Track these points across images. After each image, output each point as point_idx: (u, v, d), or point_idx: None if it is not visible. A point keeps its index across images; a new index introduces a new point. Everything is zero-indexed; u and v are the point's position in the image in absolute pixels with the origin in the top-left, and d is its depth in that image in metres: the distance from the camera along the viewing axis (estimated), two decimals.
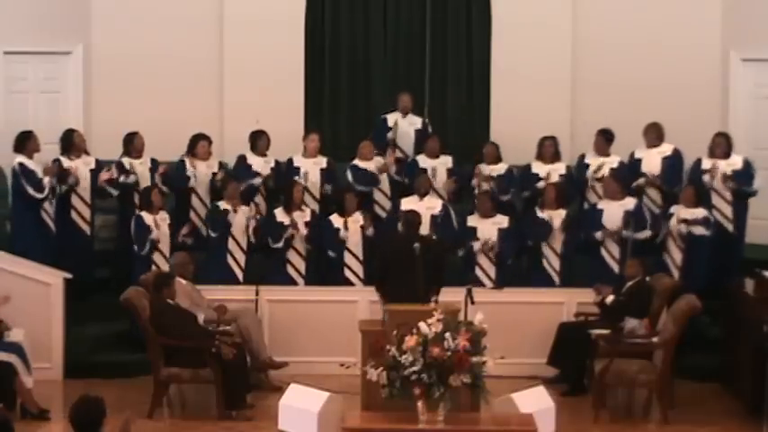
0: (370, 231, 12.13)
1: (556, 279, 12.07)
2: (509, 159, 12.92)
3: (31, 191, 11.93)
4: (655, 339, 10.56)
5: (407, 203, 12.20)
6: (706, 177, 12.32)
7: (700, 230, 11.88)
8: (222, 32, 13.83)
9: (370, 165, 12.83)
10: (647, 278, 11.32)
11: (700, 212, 11.97)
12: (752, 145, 13.79)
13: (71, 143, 12.43)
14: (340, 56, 14.13)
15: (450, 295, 10.03)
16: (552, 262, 12.10)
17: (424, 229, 11.64)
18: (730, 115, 13.85)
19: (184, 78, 13.72)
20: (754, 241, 13.01)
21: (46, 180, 11.97)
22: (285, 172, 12.76)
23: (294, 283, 12.09)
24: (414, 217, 10.88)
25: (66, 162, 12.32)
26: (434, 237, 11.64)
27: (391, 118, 13.30)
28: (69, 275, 11.56)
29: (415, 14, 14.09)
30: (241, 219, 12.12)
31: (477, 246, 12.01)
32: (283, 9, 13.77)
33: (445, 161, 12.94)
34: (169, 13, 13.73)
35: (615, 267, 11.94)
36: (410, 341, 8.10)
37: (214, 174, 12.63)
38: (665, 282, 11.32)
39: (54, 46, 13.96)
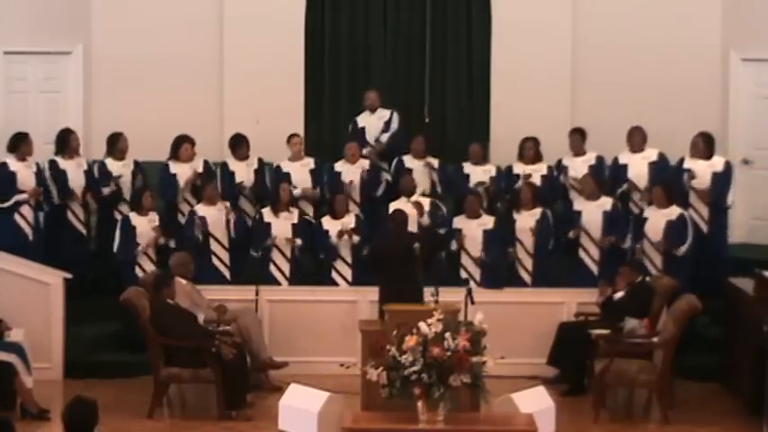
0: (355, 239, 12.08)
1: (528, 280, 12.07)
2: (509, 160, 12.91)
3: None
4: (655, 339, 10.56)
5: (395, 205, 12.17)
6: (685, 177, 12.27)
7: (680, 251, 11.79)
8: (222, 32, 13.82)
9: (352, 168, 12.75)
10: (647, 278, 11.33)
11: (674, 212, 11.85)
12: (752, 145, 13.80)
13: (67, 144, 12.41)
14: (340, 56, 14.12)
15: (450, 295, 10.04)
16: (525, 263, 12.10)
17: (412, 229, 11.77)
18: (730, 115, 13.84)
19: (184, 78, 13.71)
20: (755, 241, 13.01)
21: (22, 196, 11.89)
22: (273, 178, 12.73)
23: (277, 283, 12.07)
24: (400, 215, 10.95)
25: (61, 163, 12.31)
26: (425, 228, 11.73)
27: (360, 118, 13.24)
28: (69, 275, 11.56)
29: (415, 14, 14.07)
30: (220, 217, 12.10)
31: (454, 245, 12.01)
32: (283, 9, 13.77)
33: (431, 162, 12.88)
34: (169, 13, 13.72)
35: (594, 269, 11.96)
36: (410, 341, 8.10)
37: (198, 174, 12.60)
38: (665, 282, 11.31)
39: (54, 46, 13.95)
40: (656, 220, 11.84)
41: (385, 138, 13.17)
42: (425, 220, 12.09)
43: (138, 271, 11.84)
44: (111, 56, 13.76)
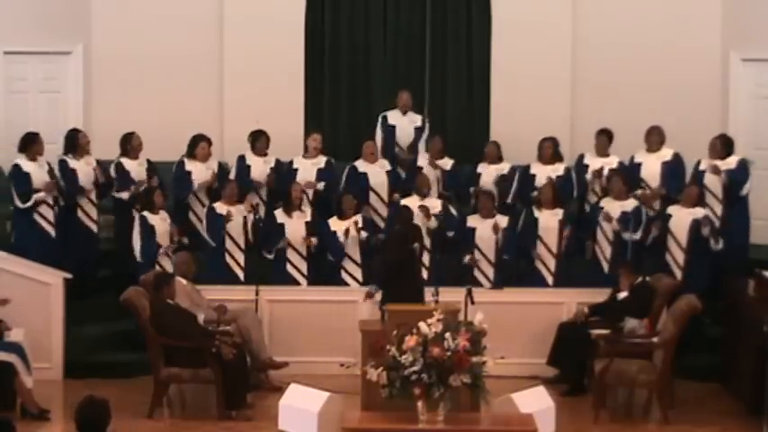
0: (362, 235, 12.08)
1: (549, 280, 12.08)
2: (509, 159, 12.92)
3: (15, 198, 11.91)
4: (655, 339, 10.56)
5: (407, 204, 12.20)
6: (705, 178, 12.30)
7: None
8: (222, 32, 13.83)
9: (372, 168, 12.79)
10: (648, 278, 11.33)
11: (699, 212, 11.92)
12: (752, 145, 13.78)
13: (75, 143, 12.40)
14: (340, 56, 14.13)
15: (450, 295, 10.03)
16: (547, 262, 12.11)
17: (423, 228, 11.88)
18: (730, 115, 13.84)
19: (184, 78, 13.72)
20: (755, 241, 13.00)
21: (40, 195, 11.91)
22: (285, 174, 12.76)
23: (296, 283, 12.09)
24: (407, 212, 10.92)
25: (71, 162, 12.31)
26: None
27: (391, 116, 13.29)
28: (69, 275, 11.56)
29: (415, 14, 14.08)
30: (238, 218, 12.11)
31: (467, 259, 12.02)
32: (283, 9, 13.78)
33: (444, 163, 12.92)
34: (169, 13, 13.73)
35: (606, 267, 11.98)
36: (410, 341, 8.10)
37: (215, 174, 12.61)
38: (665, 282, 11.32)
39: (54, 46, 13.96)
40: (681, 217, 11.87)
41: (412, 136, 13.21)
42: (433, 222, 12.08)
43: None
44: (111, 56, 13.77)
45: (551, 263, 12.09)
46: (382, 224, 12.49)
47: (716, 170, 12.18)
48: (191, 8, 13.80)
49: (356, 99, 14.07)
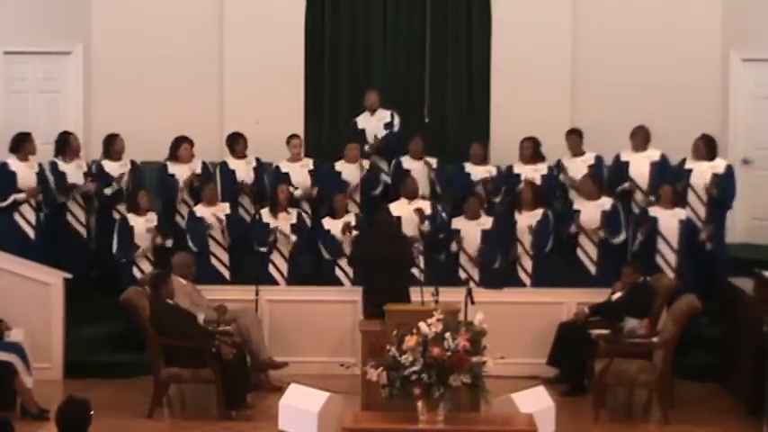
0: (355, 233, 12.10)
1: (527, 281, 12.09)
2: (509, 160, 12.91)
3: None
4: (655, 339, 10.56)
5: (396, 207, 12.19)
6: (691, 178, 12.27)
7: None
8: (222, 32, 13.83)
9: (351, 168, 12.77)
10: (648, 278, 11.33)
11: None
12: (752, 145, 13.80)
13: (67, 146, 12.42)
14: (340, 56, 14.12)
15: (450, 295, 10.03)
16: (524, 263, 12.11)
17: (413, 231, 11.92)
18: (730, 115, 13.84)
19: (184, 78, 13.71)
20: (754, 241, 13.00)
21: (20, 195, 11.90)
22: (272, 178, 12.75)
23: (276, 283, 12.08)
24: (388, 218, 10.94)
25: (61, 165, 12.31)
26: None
27: (361, 119, 13.26)
28: (69, 275, 11.56)
29: (415, 14, 14.07)
30: (220, 218, 12.11)
31: (455, 246, 12.02)
32: (283, 9, 13.78)
33: (429, 161, 12.86)
34: (169, 13, 13.73)
35: (592, 269, 11.99)
36: (410, 341, 8.11)
37: (197, 175, 12.60)
38: (665, 282, 11.32)
39: (54, 46, 13.96)
40: (667, 219, 11.87)
41: (382, 134, 13.15)
42: (426, 226, 12.09)
43: (136, 272, 11.87)
44: (111, 56, 13.77)
45: (528, 264, 12.10)
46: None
47: (711, 189, 12.16)
48: (191, 8, 13.80)
49: (356, 99, 14.04)
